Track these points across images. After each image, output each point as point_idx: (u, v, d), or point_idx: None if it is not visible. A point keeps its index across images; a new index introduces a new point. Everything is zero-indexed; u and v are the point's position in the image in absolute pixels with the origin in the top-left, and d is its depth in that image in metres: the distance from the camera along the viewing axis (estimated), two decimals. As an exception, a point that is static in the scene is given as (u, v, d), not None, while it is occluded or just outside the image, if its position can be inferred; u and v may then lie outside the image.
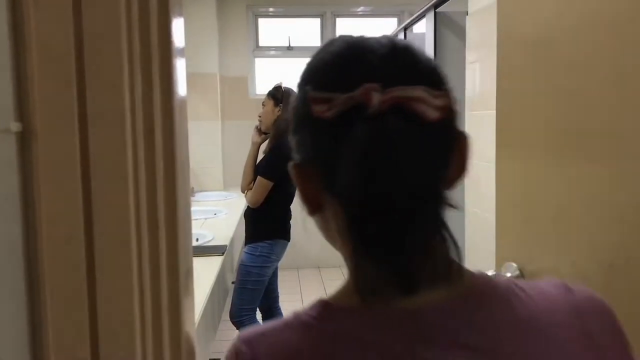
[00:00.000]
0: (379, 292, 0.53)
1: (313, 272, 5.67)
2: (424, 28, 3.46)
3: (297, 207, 0.67)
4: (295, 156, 0.59)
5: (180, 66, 0.66)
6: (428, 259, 0.52)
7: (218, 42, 5.46)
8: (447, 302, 0.54)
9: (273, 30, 5.91)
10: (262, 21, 5.84)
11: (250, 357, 0.56)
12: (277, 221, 3.05)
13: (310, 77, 0.58)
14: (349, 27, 5.90)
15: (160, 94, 0.62)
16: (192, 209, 1.27)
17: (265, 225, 3.05)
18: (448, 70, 0.60)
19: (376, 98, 0.50)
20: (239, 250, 5.24)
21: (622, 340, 0.57)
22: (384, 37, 0.57)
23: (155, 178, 0.62)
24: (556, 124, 1.15)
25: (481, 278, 0.57)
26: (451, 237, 0.54)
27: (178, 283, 0.65)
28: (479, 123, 2.54)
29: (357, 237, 0.52)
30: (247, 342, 0.57)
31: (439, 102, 0.52)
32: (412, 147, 0.50)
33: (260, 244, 3.02)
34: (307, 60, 0.60)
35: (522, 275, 1.22)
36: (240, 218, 3.82)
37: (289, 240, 3.12)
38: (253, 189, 3.02)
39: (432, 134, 0.52)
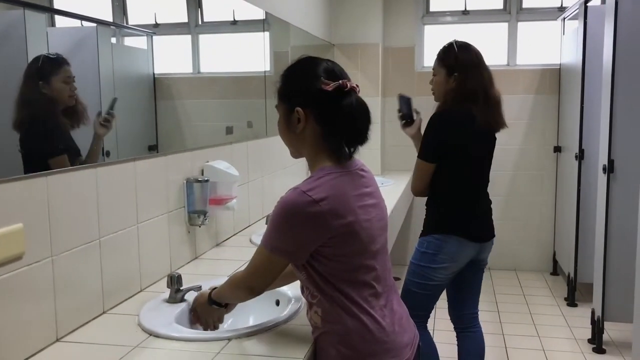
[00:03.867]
0: (340, 161, 1.44)
1: (508, 274, 5.03)
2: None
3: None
4: (300, 104, 1.42)
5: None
6: (357, 148, 1.49)
7: (382, 7, 4.87)
8: (362, 166, 1.53)
9: (446, -8, 5.17)
10: (434, -18, 5.13)
11: (313, 198, 1.34)
12: (448, 212, 2.45)
13: (317, 73, 1.42)
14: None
15: None
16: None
17: (430, 216, 2.51)
18: None
19: (347, 84, 1.40)
20: (401, 246, 4.75)
21: None
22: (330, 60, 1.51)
23: None
24: None
25: (357, 160, 1.52)
26: None
27: None
28: None
29: (332, 141, 1.43)
30: (307, 189, 1.36)
31: (358, 87, 1.47)
32: (363, 103, 1.44)
33: (427, 238, 2.47)
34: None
35: None
36: (400, 207, 3.90)
37: (470, 239, 2.45)
38: (413, 173, 2.55)
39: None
